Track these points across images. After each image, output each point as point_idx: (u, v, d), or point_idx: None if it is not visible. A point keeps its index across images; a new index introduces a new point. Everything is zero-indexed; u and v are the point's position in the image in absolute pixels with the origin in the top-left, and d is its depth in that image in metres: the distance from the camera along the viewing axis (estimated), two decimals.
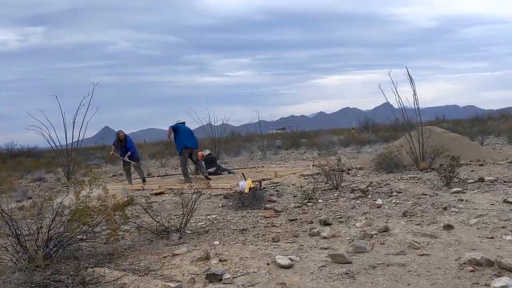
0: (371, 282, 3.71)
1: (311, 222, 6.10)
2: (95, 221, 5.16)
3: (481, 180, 8.06)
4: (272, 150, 24.87)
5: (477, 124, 36.07)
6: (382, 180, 9.03)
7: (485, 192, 7.13)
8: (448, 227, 5.20)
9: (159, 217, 6.38)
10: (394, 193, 7.52)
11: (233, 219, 6.73)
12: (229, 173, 13.68)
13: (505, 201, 6.25)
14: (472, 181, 8.11)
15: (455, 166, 7.75)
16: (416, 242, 4.69)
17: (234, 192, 9.19)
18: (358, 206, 6.86)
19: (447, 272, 3.79)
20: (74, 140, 17.43)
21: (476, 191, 7.27)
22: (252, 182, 8.74)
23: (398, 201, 6.94)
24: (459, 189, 7.32)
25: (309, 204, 7.28)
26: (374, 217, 6.13)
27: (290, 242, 5.20)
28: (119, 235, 5.69)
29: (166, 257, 5.00)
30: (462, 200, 6.66)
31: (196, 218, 6.86)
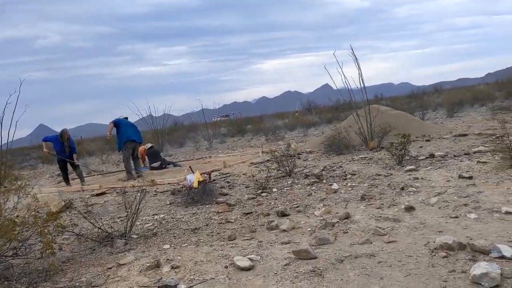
0: (341, 279, 3.38)
1: (268, 214, 5.74)
2: (24, 236, 4.53)
3: (432, 156, 8.03)
4: (218, 139, 24.36)
5: (414, 100, 37.33)
6: (334, 163, 8.83)
7: (438, 168, 7.06)
8: (410, 208, 5.00)
9: (101, 222, 5.79)
10: (349, 176, 7.31)
11: (183, 217, 6.25)
12: (174, 166, 13.08)
13: (460, 176, 6.17)
14: (423, 157, 8.05)
15: (406, 144, 7.64)
16: (380, 228, 4.43)
17: (182, 187, 8.68)
18: (314, 193, 6.57)
19: (420, 260, 3.54)
20: (6, 141, 16.08)
21: (429, 167, 7.19)
22: (201, 174, 8.27)
23: (353, 184, 6.73)
24: (412, 167, 7.21)
25: (263, 194, 6.92)
26: (332, 203, 5.85)
27: (247, 239, 4.80)
28: (56, 247, 5.07)
29: (111, 268, 4.46)
30: (417, 178, 6.53)
31: (142, 220, 6.32)
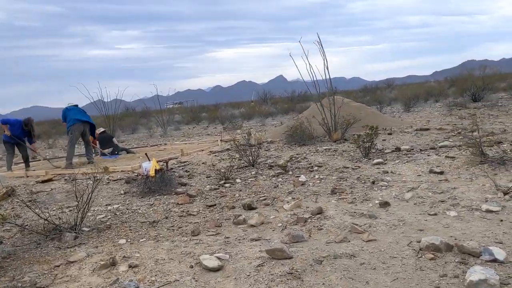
0: (323, 284, 3.05)
1: (233, 207, 5.35)
2: None
3: (398, 149, 7.89)
4: (172, 126, 23.64)
5: (367, 94, 38.01)
6: (298, 154, 8.54)
7: (407, 162, 6.89)
8: (385, 204, 4.76)
9: (48, 212, 5.22)
10: (315, 168, 7.02)
11: (139, 208, 5.75)
12: (128, 152, 12.42)
13: (431, 171, 6.01)
14: (389, 151, 7.90)
15: (373, 136, 7.46)
16: (357, 225, 4.15)
17: (137, 176, 8.13)
18: (281, 185, 6.24)
19: (406, 263, 3.27)
20: None
21: (397, 161, 7.02)
22: (157, 162, 7.77)
23: (321, 177, 6.44)
24: (380, 160, 7.02)
25: (226, 185, 6.51)
26: (302, 196, 5.54)
27: (213, 235, 4.41)
28: None
29: (58, 266, 3.94)
30: (387, 172, 6.32)
31: (94, 210, 5.77)
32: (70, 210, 6.00)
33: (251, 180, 6.67)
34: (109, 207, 5.96)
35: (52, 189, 7.71)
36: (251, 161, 7.70)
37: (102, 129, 13.15)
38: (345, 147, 8.85)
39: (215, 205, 5.54)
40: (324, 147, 9.01)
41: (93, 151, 11.70)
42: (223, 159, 8.96)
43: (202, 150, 10.98)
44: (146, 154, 8.42)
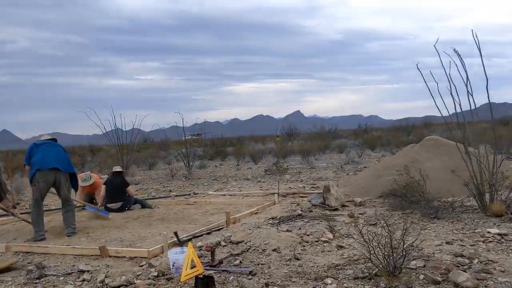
0: None
1: None
2: None
3: None
4: (196, 161, 19.74)
5: (407, 133, 34.56)
6: (448, 243, 4.62)
7: None
8: None
9: None
10: None
11: None
12: (143, 206, 8.59)
13: None
14: None
15: None
16: None
17: (157, 276, 4.32)
18: None
19: None
20: None
21: None
22: (197, 255, 4.03)
23: None
24: None
25: None
26: None
27: None
28: None
29: None
30: None
31: None
32: None
33: None
34: None
35: None
36: (391, 265, 3.79)
37: (117, 168, 8.99)
38: None
39: None
40: (490, 229, 5.07)
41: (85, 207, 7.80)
42: (307, 242, 5.12)
43: (256, 213, 7.16)
44: (176, 233, 4.60)
